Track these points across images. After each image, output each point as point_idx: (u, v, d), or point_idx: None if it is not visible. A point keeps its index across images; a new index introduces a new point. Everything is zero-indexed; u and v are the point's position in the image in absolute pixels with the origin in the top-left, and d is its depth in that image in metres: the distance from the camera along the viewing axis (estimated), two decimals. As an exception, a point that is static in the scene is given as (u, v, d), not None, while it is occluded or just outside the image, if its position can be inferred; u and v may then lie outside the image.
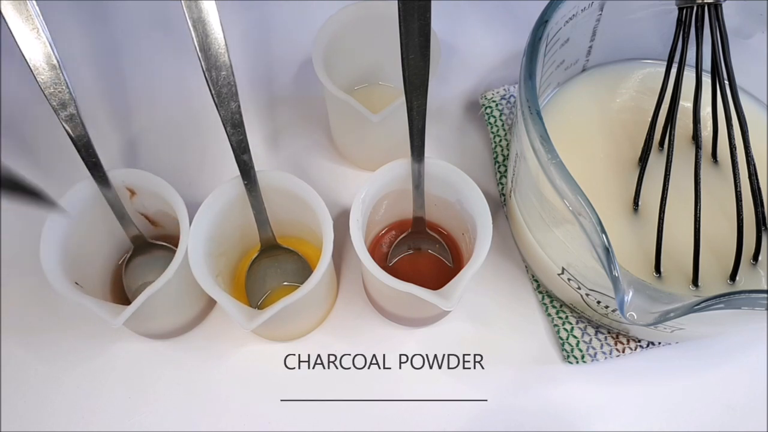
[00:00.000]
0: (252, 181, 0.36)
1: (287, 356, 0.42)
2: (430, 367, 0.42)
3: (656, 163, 0.39)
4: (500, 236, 0.46)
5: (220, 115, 0.33)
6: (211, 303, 0.43)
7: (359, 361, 0.42)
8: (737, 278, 0.36)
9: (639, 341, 0.41)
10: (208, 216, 0.37)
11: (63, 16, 0.56)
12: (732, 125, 0.35)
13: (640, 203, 0.38)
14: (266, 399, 0.41)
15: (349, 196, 0.48)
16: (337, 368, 0.42)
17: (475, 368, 0.42)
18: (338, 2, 0.43)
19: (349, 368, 0.42)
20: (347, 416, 0.41)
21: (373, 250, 0.44)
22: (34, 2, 0.31)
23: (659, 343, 0.41)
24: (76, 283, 0.36)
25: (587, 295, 0.37)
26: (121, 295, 0.43)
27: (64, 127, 0.34)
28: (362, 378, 0.42)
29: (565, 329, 0.42)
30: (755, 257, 0.37)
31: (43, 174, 0.48)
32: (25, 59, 0.32)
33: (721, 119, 0.37)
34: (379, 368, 0.42)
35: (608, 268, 0.28)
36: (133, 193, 0.39)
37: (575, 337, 0.41)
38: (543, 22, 0.35)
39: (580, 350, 0.41)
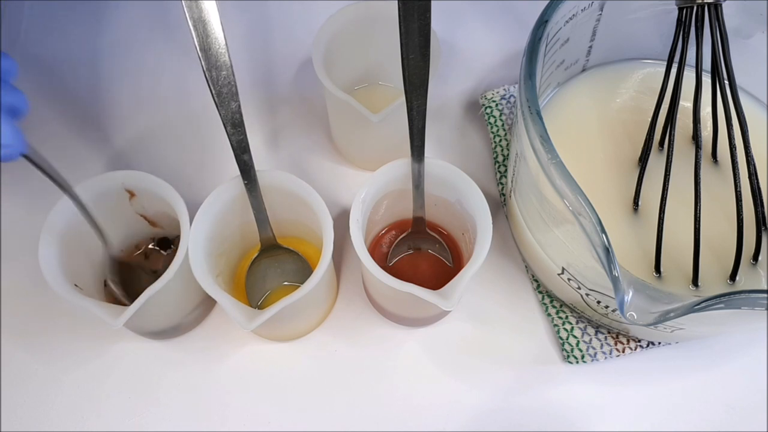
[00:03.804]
0: (252, 181, 0.36)
1: (287, 356, 0.42)
2: (431, 367, 0.42)
3: (656, 163, 0.39)
4: (500, 236, 0.46)
5: (220, 114, 0.33)
6: (211, 303, 0.43)
7: (359, 361, 0.42)
8: (737, 278, 0.36)
9: (639, 341, 0.41)
10: (208, 216, 0.37)
11: (63, 16, 0.56)
12: (732, 125, 0.35)
13: (640, 203, 0.38)
14: (266, 399, 0.41)
15: (349, 196, 0.48)
16: (337, 368, 0.42)
17: (475, 368, 0.42)
18: (338, 2, 0.43)
19: (349, 368, 0.42)
20: (347, 416, 0.41)
21: (373, 250, 0.44)
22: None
23: (659, 343, 0.41)
24: (76, 285, 0.36)
25: (587, 295, 0.37)
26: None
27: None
28: (362, 378, 0.42)
29: (565, 329, 0.42)
30: (755, 257, 0.37)
31: (40, 177, 0.48)
32: None
33: (721, 119, 0.37)
34: (379, 368, 0.42)
35: (608, 268, 0.28)
36: (132, 194, 0.39)
37: (575, 337, 0.41)
38: (543, 22, 0.35)
39: (580, 350, 0.41)
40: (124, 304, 0.35)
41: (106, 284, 0.42)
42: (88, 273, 0.40)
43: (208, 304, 0.43)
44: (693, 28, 0.35)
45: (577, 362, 0.41)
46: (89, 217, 0.36)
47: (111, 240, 0.38)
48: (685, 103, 0.38)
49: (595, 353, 0.41)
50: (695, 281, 0.36)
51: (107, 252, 0.39)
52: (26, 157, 0.29)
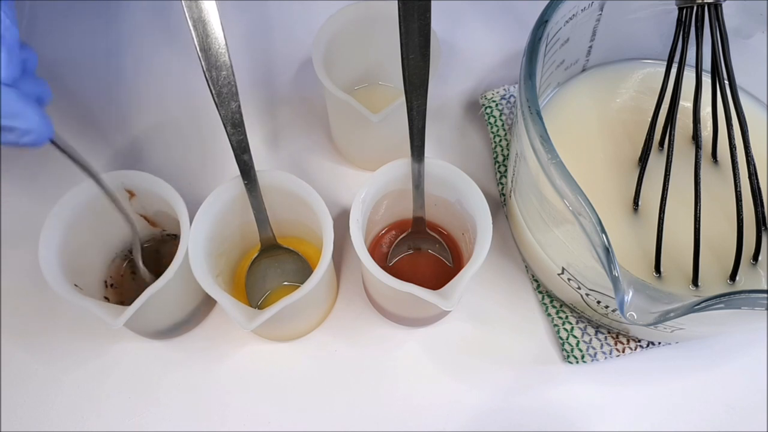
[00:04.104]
0: (252, 181, 0.36)
1: (287, 356, 0.42)
2: (430, 367, 0.42)
3: (656, 163, 0.39)
4: (500, 236, 0.46)
5: (220, 114, 0.33)
6: (211, 303, 0.43)
7: (359, 361, 0.42)
8: (737, 278, 0.36)
9: (639, 341, 0.41)
10: (208, 216, 0.37)
11: (63, 16, 0.56)
12: (732, 125, 0.35)
13: (640, 203, 0.38)
14: (266, 399, 0.41)
15: (349, 196, 0.48)
16: (337, 368, 0.42)
17: (475, 368, 0.42)
18: (338, 2, 0.43)
19: (349, 368, 0.42)
20: (347, 416, 0.41)
21: (373, 250, 0.44)
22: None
23: (659, 343, 0.41)
24: (76, 285, 0.36)
25: (587, 295, 0.37)
26: (120, 296, 0.43)
27: None
28: (362, 378, 0.42)
29: (565, 329, 0.42)
30: (755, 257, 0.37)
31: (40, 176, 0.48)
32: None
33: (721, 119, 0.37)
34: (379, 368, 0.42)
35: (608, 268, 0.28)
36: (132, 194, 0.39)
37: (575, 337, 0.41)
38: (543, 22, 0.35)
39: (580, 350, 0.41)
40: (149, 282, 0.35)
41: (106, 284, 0.42)
42: (88, 273, 0.40)
43: (208, 304, 0.43)
44: (693, 28, 0.35)
45: (577, 362, 0.41)
46: (117, 202, 0.36)
47: (137, 223, 0.38)
48: (685, 103, 0.38)
49: (595, 353, 0.41)
50: (695, 281, 0.36)
51: (135, 235, 0.39)
52: (53, 142, 0.30)
